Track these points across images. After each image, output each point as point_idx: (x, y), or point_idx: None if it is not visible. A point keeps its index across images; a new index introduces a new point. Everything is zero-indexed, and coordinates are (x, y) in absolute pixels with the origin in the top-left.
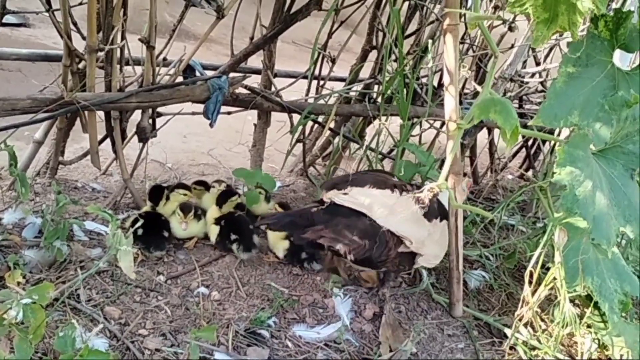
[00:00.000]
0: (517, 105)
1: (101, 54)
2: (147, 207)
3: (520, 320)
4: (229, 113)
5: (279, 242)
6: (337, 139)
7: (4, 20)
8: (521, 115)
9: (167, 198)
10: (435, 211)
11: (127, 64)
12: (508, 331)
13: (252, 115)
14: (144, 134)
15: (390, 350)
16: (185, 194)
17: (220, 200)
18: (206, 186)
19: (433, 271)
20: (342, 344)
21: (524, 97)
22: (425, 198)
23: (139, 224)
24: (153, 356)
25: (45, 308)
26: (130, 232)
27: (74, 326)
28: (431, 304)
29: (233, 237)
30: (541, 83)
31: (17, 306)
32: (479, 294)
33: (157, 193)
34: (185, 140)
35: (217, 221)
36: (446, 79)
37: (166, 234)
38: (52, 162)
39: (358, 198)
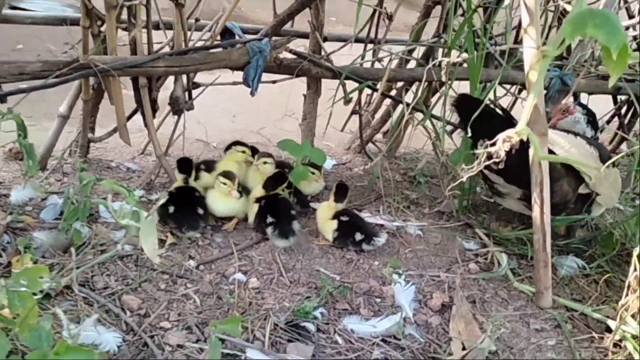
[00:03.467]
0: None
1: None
2: (179, 181)
3: (626, 310)
4: (273, 82)
5: (326, 223)
6: (398, 109)
7: None
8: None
9: (199, 171)
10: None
11: (157, 28)
12: (612, 323)
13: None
14: (178, 105)
15: (464, 349)
16: (243, 151)
17: (269, 185)
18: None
19: (513, 256)
20: (404, 340)
21: None
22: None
23: (162, 200)
24: (174, 354)
25: (55, 296)
26: (153, 209)
27: (51, 318)
28: (512, 292)
29: (269, 219)
30: (634, 38)
31: (2, 293)
32: (570, 281)
33: (187, 165)
34: (234, 119)
35: (258, 200)
36: (525, 19)
37: (201, 211)
38: (81, 139)
39: None
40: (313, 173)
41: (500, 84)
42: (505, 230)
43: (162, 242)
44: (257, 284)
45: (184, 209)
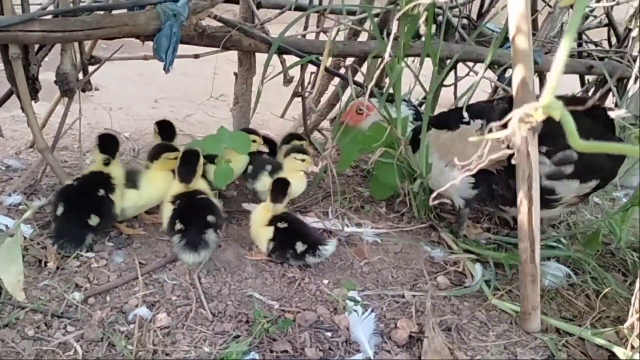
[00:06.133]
0: (576, 44)
1: None
2: (98, 163)
3: (631, 330)
4: (195, 56)
5: (260, 231)
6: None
7: None
8: (579, 55)
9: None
10: None
11: None
12: (619, 351)
13: None
14: (66, 84)
15: None
16: (254, 140)
17: (184, 172)
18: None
19: (487, 264)
20: None
21: (584, 34)
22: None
23: (36, 206)
24: None
25: None
26: (17, 223)
27: None
28: (492, 313)
29: (178, 226)
30: (607, 14)
31: None
32: (556, 294)
33: (112, 143)
34: (156, 105)
35: (174, 199)
36: None
37: (94, 220)
38: None
39: None
40: (303, 160)
41: (462, 61)
42: (475, 234)
43: (40, 264)
44: (167, 321)
45: (70, 217)
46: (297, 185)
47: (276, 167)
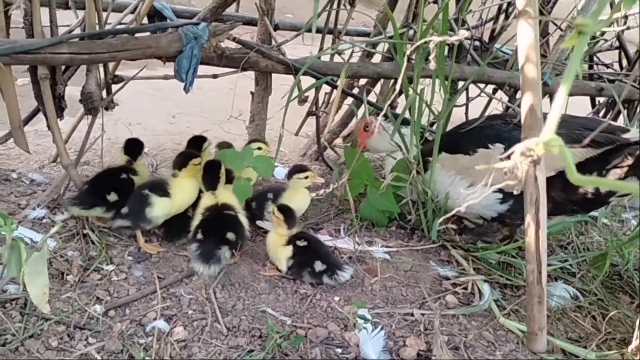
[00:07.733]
0: (587, 66)
1: None
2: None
3: (635, 353)
4: (214, 76)
5: (279, 250)
6: (360, 109)
7: None
8: (591, 77)
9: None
10: None
11: (67, 7)
12: None
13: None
14: (91, 102)
15: None
16: (259, 147)
17: (207, 180)
18: None
19: (496, 284)
20: None
21: (595, 57)
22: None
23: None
24: None
25: None
26: (43, 239)
27: None
28: (499, 332)
29: (199, 235)
30: (617, 37)
31: None
32: (563, 315)
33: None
34: (174, 121)
35: (205, 211)
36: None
37: (113, 196)
38: None
39: None
40: (306, 177)
41: (474, 82)
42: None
43: (63, 277)
44: (184, 335)
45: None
46: (301, 202)
47: (277, 192)
